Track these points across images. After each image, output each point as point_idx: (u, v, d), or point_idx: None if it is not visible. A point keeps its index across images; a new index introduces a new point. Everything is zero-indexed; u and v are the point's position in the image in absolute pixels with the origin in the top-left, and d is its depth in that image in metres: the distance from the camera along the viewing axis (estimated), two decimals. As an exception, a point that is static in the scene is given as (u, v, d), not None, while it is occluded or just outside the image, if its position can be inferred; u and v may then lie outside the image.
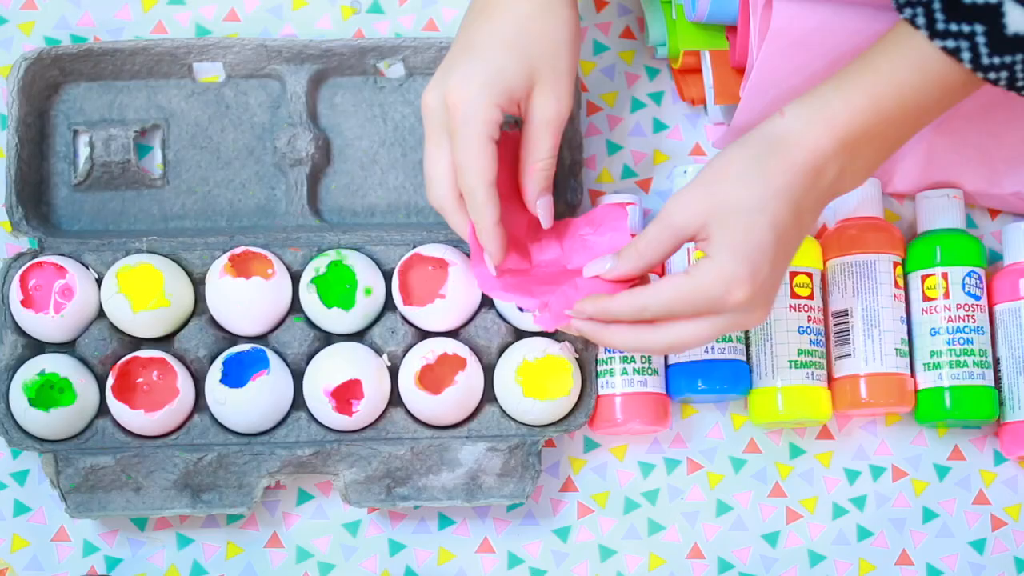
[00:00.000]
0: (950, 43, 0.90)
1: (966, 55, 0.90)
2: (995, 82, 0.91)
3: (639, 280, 0.98)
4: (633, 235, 1.03)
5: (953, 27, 0.90)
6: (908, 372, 1.08)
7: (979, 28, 0.89)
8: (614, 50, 1.15)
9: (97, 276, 1.06)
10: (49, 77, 1.10)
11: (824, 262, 1.10)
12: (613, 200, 1.08)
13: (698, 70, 1.12)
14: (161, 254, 1.07)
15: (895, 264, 1.09)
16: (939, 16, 0.90)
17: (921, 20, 0.90)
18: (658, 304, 0.94)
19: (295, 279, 1.07)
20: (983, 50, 0.89)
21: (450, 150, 0.97)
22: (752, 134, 0.95)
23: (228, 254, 1.05)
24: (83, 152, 1.10)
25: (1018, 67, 0.90)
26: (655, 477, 1.09)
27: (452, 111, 0.96)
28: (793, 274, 1.08)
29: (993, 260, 1.13)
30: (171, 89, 1.11)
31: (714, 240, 0.93)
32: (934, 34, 0.90)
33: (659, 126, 1.14)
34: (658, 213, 0.95)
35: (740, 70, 1.09)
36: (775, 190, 0.93)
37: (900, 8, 0.90)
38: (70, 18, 1.13)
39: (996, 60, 0.90)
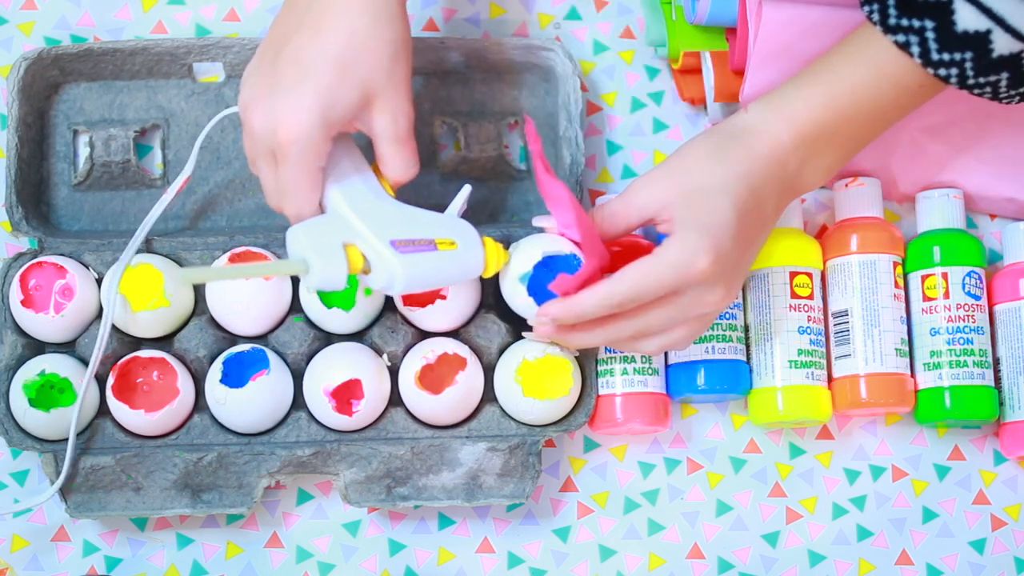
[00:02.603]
0: (900, 37, 0.92)
1: (916, 49, 0.92)
2: (946, 79, 0.93)
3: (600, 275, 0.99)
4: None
5: (904, 22, 0.92)
6: (908, 372, 1.08)
7: (929, 24, 0.91)
8: (614, 50, 1.15)
9: (97, 276, 1.06)
10: (49, 77, 1.10)
11: (824, 262, 1.10)
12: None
13: (698, 70, 1.12)
14: (161, 254, 1.07)
15: (895, 264, 1.09)
16: (892, 12, 0.92)
17: (876, 16, 0.93)
18: (625, 287, 0.96)
19: (295, 279, 1.07)
20: (933, 46, 0.92)
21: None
22: (716, 127, 0.98)
23: (228, 254, 1.05)
24: (83, 152, 1.10)
25: (968, 65, 0.92)
26: (655, 477, 1.09)
27: (284, 146, 0.94)
28: (793, 274, 1.08)
29: (993, 260, 1.13)
30: (171, 89, 1.11)
31: (677, 218, 0.95)
32: (887, 29, 0.93)
33: (659, 126, 1.14)
34: (622, 192, 0.98)
35: (740, 72, 1.09)
36: (736, 174, 0.96)
37: (891, 31, 0.92)
38: (70, 18, 1.13)
39: (946, 56, 0.92)
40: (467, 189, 1.01)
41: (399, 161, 0.98)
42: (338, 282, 0.94)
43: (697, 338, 1.01)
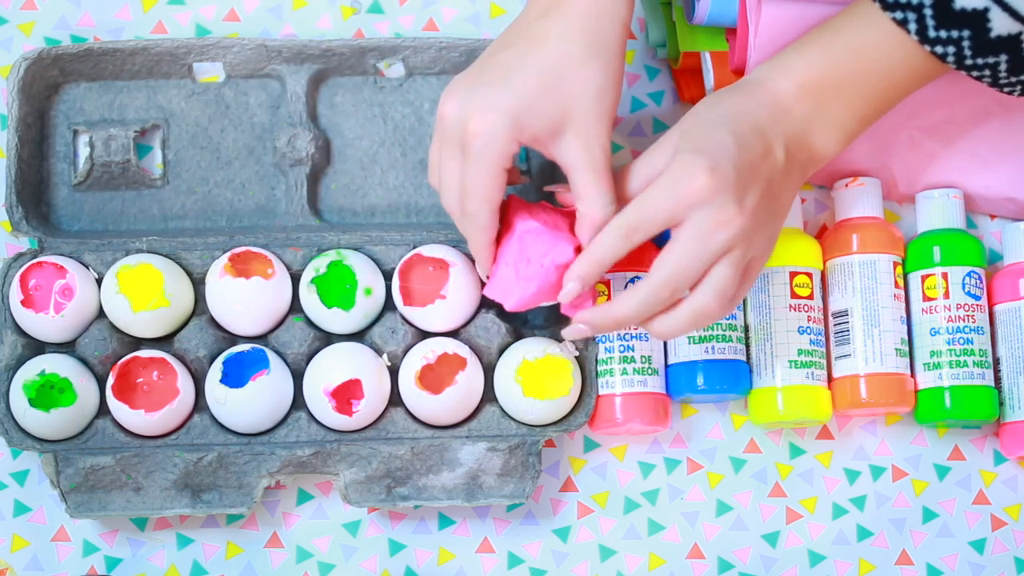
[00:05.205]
0: (899, 14, 0.92)
1: (913, 27, 0.92)
2: (943, 57, 0.93)
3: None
4: None
5: (943, 34, 0.92)
6: (908, 372, 1.08)
7: (927, 0, 0.91)
8: (614, 50, 1.15)
9: (97, 276, 1.06)
10: (49, 77, 1.10)
11: (824, 262, 1.10)
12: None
13: (698, 70, 1.12)
14: (161, 254, 1.07)
15: (895, 264, 1.09)
16: (930, 23, 0.92)
17: (912, 26, 0.92)
18: (633, 211, 0.94)
19: (295, 279, 1.07)
20: (930, 23, 0.92)
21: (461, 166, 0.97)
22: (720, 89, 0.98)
23: (228, 254, 1.05)
24: (83, 152, 1.10)
25: (965, 44, 0.92)
26: (655, 477, 1.09)
27: (470, 137, 0.95)
28: (793, 274, 1.08)
29: (993, 260, 1.13)
30: (171, 89, 1.11)
31: (677, 148, 0.94)
32: (885, 6, 0.92)
33: (659, 126, 1.14)
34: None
35: (740, 72, 1.09)
36: (736, 112, 0.95)
37: (889, 8, 0.92)
38: (70, 18, 1.13)
39: (943, 34, 0.92)
40: None
41: (595, 193, 0.95)
42: None
43: (742, 290, 0.97)
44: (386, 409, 1.06)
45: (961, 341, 1.08)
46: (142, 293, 1.04)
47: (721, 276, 0.94)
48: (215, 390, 1.04)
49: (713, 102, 0.96)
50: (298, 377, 1.06)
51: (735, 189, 0.93)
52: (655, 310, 0.96)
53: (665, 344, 1.08)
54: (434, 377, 1.05)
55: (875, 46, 0.94)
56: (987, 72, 0.94)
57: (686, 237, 0.93)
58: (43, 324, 1.05)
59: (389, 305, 1.07)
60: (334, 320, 1.05)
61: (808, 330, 1.07)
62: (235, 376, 1.04)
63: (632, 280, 1.06)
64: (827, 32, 0.96)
